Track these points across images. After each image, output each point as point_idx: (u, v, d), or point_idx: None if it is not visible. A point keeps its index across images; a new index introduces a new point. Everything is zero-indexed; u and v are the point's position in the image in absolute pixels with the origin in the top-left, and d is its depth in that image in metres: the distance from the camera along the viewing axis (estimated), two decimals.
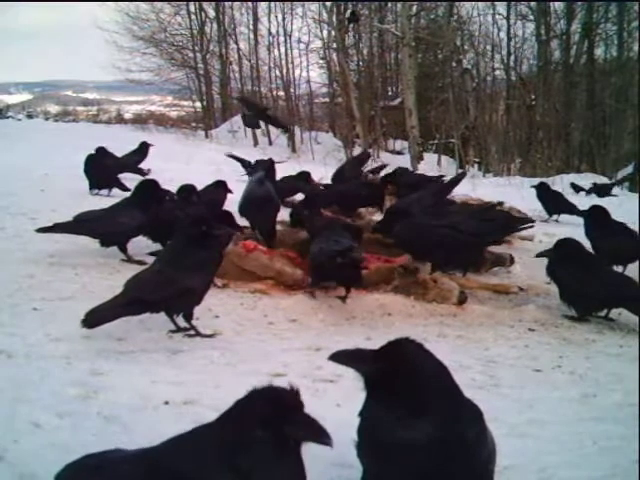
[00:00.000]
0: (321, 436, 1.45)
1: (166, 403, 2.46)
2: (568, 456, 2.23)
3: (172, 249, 3.48)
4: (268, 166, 5.58)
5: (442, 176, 8.26)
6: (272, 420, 1.41)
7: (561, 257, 4.23)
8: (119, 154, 8.81)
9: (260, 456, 1.40)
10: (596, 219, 5.36)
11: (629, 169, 18.67)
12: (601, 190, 11.56)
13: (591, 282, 4.04)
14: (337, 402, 2.50)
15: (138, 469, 1.44)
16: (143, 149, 9.22)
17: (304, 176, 7.75)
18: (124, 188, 7.10)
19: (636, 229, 5.48)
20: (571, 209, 7.85)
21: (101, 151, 8.04)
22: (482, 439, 1.60)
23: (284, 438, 1.42)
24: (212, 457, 1.40)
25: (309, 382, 2.77)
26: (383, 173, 8.32)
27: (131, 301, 3.09)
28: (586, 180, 13.54)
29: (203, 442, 1.43)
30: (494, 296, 4.52)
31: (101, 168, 7.50)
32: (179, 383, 2.65)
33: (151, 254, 4.22)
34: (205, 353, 3.05)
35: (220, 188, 5.78)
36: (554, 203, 8.08)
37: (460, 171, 7.66)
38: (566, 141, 21.78)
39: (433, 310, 4.09)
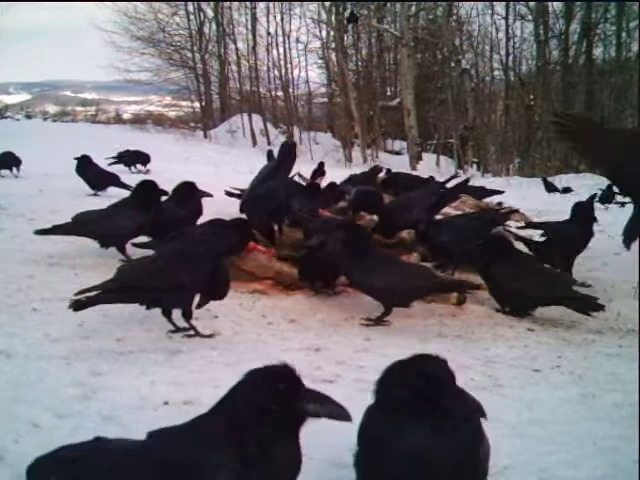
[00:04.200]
0: (339, 412, 1.43)
1: (165, 403, 2.46)
2: (568, 456, 2.23)
3: (172, 243, 3.49)
4: (286, 151, 5.07)
5: (432, 177, 8.37)
6: (283, 399, 1.37)
7: (492, 254, 4.13)
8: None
9: (264, 440, 1.36)
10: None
11: None
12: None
13: (524, 280, 3.96)
14: None
15: (128, 460, 1.36)
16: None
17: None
18: (125, 186, 7.03)
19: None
20: None
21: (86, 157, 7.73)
22: (480, 437, 1.62)
23: (286, 420, 1.38)
24: (212, 444, 1.37)
25: (308, 382, 2.72)
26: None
27: (120, 287, 3.10)
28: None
29: (202, 431, 1.40)
30: None
31: (93, 169, 7.47)
32: (178, 383, 2.65)
33: (135, 245, 4.32)
34: (204, 353, 3.04)
35: None
36: None
37: (459, 172, 7.68)
38: None
39: (432, 310, 4.08)
